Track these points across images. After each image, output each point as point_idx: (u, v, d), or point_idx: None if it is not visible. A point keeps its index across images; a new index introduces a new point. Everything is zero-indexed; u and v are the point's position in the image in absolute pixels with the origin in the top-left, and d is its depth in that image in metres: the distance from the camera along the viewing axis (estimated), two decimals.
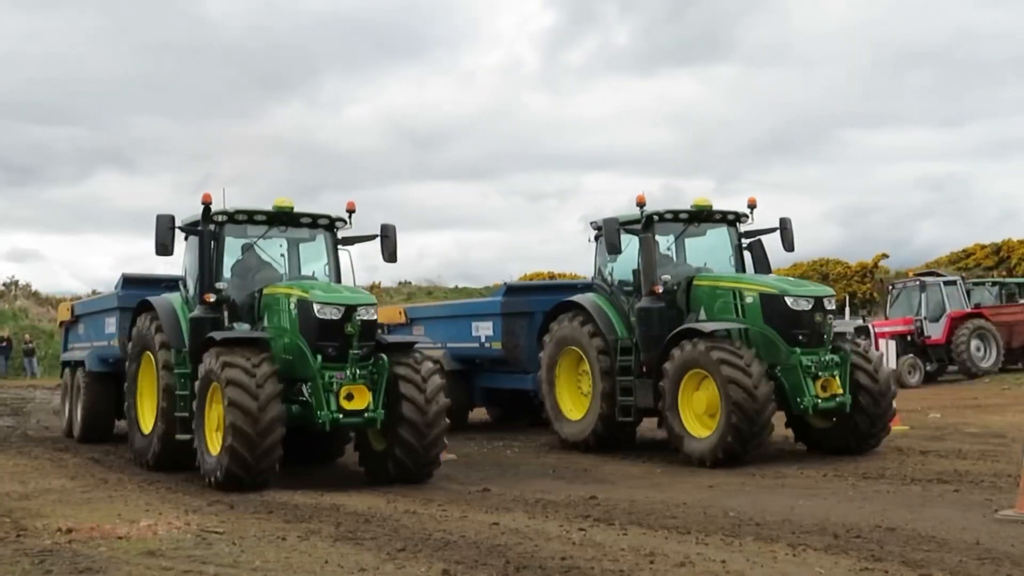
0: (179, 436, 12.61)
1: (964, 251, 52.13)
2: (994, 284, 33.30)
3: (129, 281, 16.57)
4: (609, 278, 15.70)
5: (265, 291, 12.75)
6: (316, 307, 11.84)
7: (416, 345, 12.72)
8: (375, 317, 12.23)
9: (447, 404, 12.17)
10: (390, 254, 13.32)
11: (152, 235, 12.37)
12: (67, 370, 18.85)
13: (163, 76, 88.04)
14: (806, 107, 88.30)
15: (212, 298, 12.58)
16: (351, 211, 13.47)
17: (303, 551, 7.66)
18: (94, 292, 34.39)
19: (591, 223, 15.92)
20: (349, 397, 11.65)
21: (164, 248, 12.46)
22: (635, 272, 15.04)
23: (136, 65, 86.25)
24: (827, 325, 13.63)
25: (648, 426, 15.65)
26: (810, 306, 13.58)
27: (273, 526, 8.88)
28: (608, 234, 14.78)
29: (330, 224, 13.44)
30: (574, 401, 15.78)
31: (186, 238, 13.37)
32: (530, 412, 18.30)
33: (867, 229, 73.95)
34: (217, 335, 12.08)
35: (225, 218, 12.87)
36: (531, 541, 7.91)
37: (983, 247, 51.65)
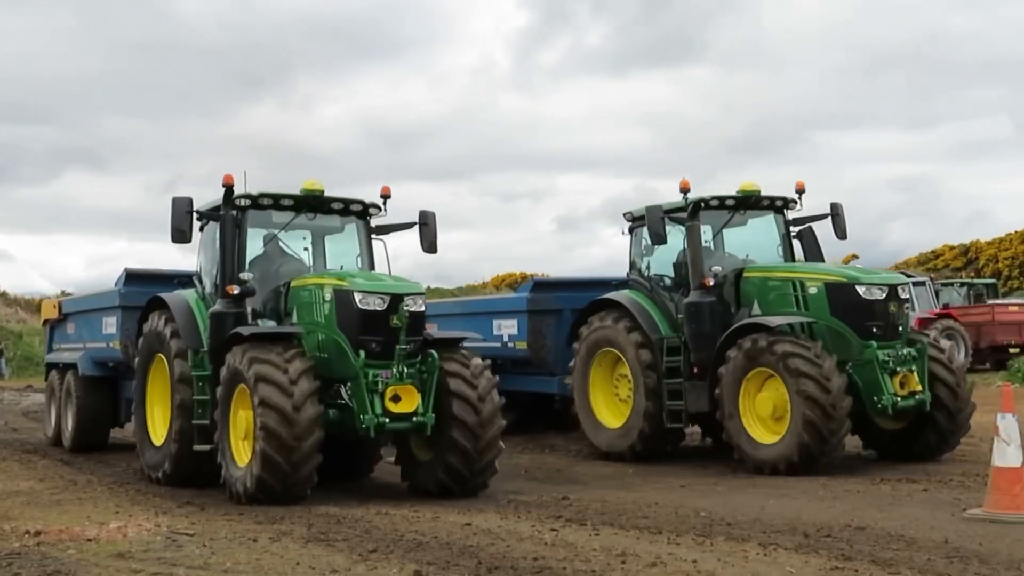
0: (197, 447, 11.23)
1: (933, 252, 52.67)
2: (962, 285, 33.66)
3: (133, 277, 15.02)
4: (647, 273, 14.60)
5: (293, 284, 11.48)
6: (357, 297, 10.60)
7: (463, 341, 11.53)
8: (423, 308, 10.98)
9: (501, 402, 11.02)
10: (430, 243, 12.15)
11: (168, 220, 11.23)
12: (53, 373, 17.30)
13: (134, 75, 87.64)
14: (778, 108, 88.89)
15: (235, 290, 11.21)
16: (386, 196, 12.24)
17: (274, 552, 7.62)
18: (63, 293, 34.13)
19: (624, 214, 14.94)
20: (396, 399, 10.40)
21: (181, 234, 11.25)
22: (676, 265, 14.11)
23: (107, 64, 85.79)
24: (903, 316, 12.68)
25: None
26: (884, 295, 12.51)
27: (244, 527, 8.84)
28: (652, 223, 13.54)
29: (363, 211, 12.17)
30: (610, 407, 14.57)
31: (201, 228, 12.10)
32: (548, 417, 17.33)
33: None
34: (244, 330, 10.77)
35: (248, 202, 11.59)
36: (503, 542, 7.91)
37: (952, 248, 52.12)
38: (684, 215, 13.64)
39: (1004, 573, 6.73)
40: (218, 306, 11.32)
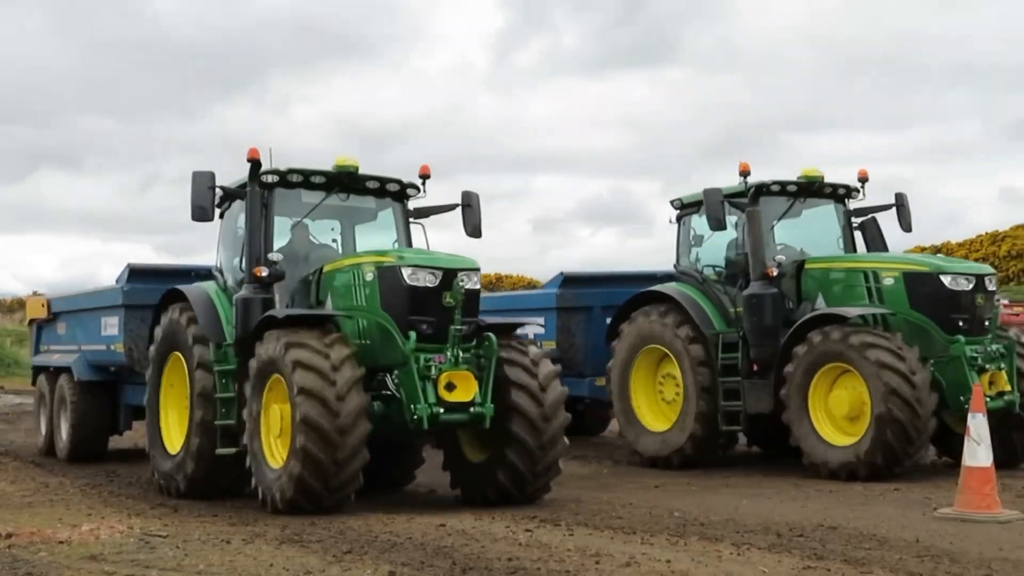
0: (221, 450, 10.35)
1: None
2: None
3: (137, 274, 13.74)
4: (696, 264, 13.67)
5: (326, 268, 10.55)
6: (405, 273, 9.64)
7: (519, 329, 10.67)
8: (479, 286, 10.03)
9: (565, 393, 10.10)
10: (474, 227, 11.23)
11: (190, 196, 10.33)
12: (42, 377, 15.99)
13: (108, 75, 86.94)
14: (753, 110, 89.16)
15: (264, 272, 10.24)
16: (425, 176, 11.25)
17: (248, 554, 7.60)
18: (35, 293, 33.77)
19: (672, 202, 13.94)
20: (450, 387, 9.34)
21: (203, 211, 10.28)
22: (729, 255, 13.24)
23: (81, 63, 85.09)
24: (993, 309, 11.85)
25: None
26: (971, 286, 11.67)
27: (217, 529, 8.80)
28: (711, 207, 12.59)
29: (401, 191, 11.21)
30: (653, 409, 13.56)
31: (221, 214, 11.24)
32: (573, 420, 15.80)
33: None
34: (277, 313, 9.90)
35: (276, 179, 10.62)
36: (478, 542, 7.91)
37: (924, 249, 52.43)
38: (743, 200, 12.75)
39: (974, 572, 6.79)
40: (245, 291, 10.35)
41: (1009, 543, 7.74)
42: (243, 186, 10.63)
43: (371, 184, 11.05)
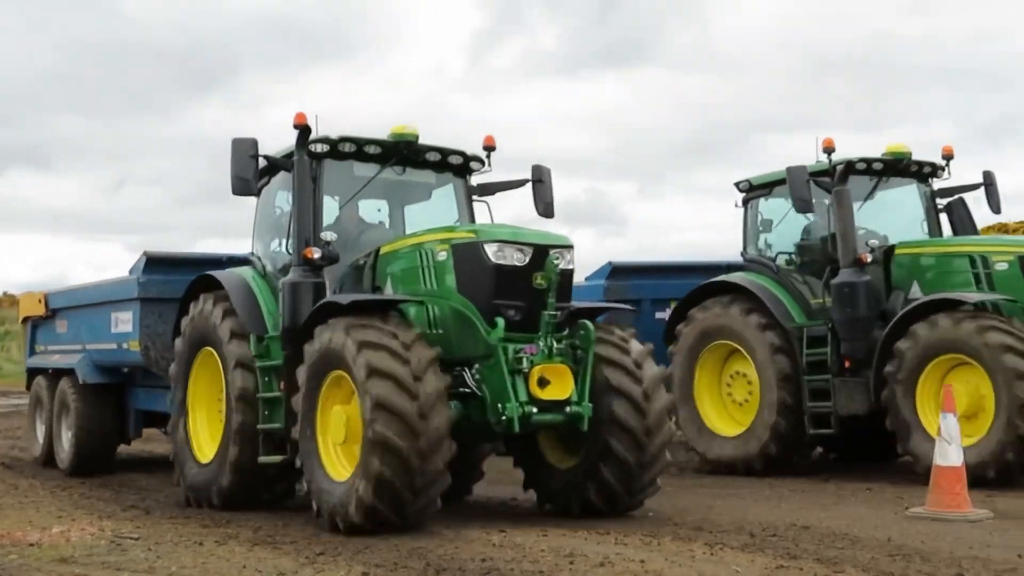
0: (264, 459, 9.24)
1: None
2: None
3: (155, 263, 12.25)
4: (767, 251, 12.64)
5: (383, 250, 9.28)
6: (490, 250, 8.32)
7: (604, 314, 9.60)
8: (573, 267, 8.79)
9: (671, 402, 9.14)
10: (546, 205, 10.05)
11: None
12: (38, 380, 14.73)
13: (81, 74, 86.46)
14: (727, 111, 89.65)
15: (316, 254, 8.94)
16: (490, 149, 10.01)
17: (220, 556, 7.55)
18: (5, 294, 33.48)
19: (738, 184, 12.86)
20: (543, 383, 8.14)
21: (244, 183, 9.08)
22: (806, 244, 12.25)
23: (55, 63, 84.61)
24: None
25: None
26: None
27: (190, 531, 8.74)
28: (796, 187, 11.38)
29: (464, 165, 10.00)
30: (720, 412, 12.56)
31: (259, 192, 9.91)
32: None
33: None
34: (341, 299, 8.54)
35: (326, 148, 9.40)
36: (451, 543, 7.89)
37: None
38: (826, 180, 11.68)
39: (945, 570, 6.83)
40: (294, 275, 9.01)
41: (979, 542, 7.80)
42: (289, 156, 9.34)
43: (432, 156, 9.83)
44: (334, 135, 9.47)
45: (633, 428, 8.45)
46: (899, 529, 8.38)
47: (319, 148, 9.34)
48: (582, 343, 8.48)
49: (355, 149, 9.50)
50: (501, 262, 8.29)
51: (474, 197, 10.16)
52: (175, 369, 10.46)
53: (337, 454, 8.36)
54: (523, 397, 8.10)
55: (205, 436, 10.20)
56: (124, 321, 12.45)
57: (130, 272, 12.55)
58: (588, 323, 8.55)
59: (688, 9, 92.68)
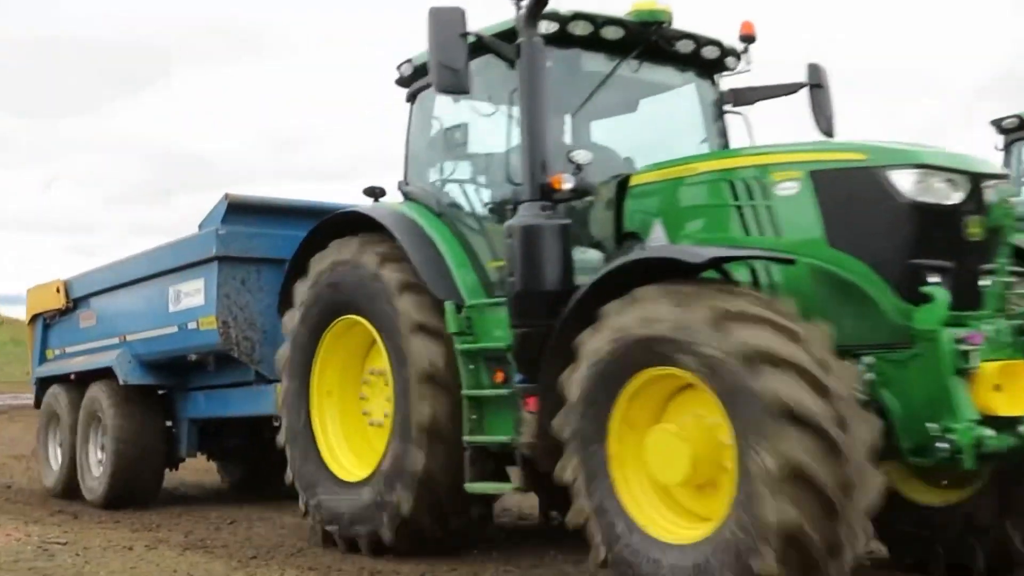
0: (474, 487, 6.59)
1: None
2: None
3: (238, 209, 9.40)
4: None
5: (637, 179, 6.52)
6: (904, 178, 5.33)
7: None
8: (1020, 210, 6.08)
9: None
10: (828, 120, 7.36)
11: None
12: (52, 392, 11.91)
13: (9, 71, 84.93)
14: None
15: (568, 183, 6.14)
16: (749, 39, 7.35)
17: (150, 560, 7.46)
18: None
19: (998, 123, 11.11)
20: (997, 388, 5.09)
21: (453, 76, 6.19)
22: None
23: None
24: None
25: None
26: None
27: (119, 535, 8.63)
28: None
29: (718, 60, 7.31)
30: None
31: (412, 98, 7.79)
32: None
33: None
34: (703, 252, 5.42)
35: (555, 28, 6.66)
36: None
37: None
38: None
39: None
40: (527, 215, 6.11)
41: None
42: (509, 35, 6.52)
43: (683, 45, 7.11)
44: (565, 10, 6.80)
45: None
46: None
47: (547, 28, 6.60)
48: None
49: (591, 31, 6.85)
50: (924, 198, 5.34)
51: (727, 108, 7.55)
52: (288, 353, 7.86)
53: (657, 509, 5.34)
54: (971, 413, 5.04)
55: (344, 447, 7.67)
56: (191, 293, 9.59)
57: (200, 226, 9.68)
58: None
59: None
